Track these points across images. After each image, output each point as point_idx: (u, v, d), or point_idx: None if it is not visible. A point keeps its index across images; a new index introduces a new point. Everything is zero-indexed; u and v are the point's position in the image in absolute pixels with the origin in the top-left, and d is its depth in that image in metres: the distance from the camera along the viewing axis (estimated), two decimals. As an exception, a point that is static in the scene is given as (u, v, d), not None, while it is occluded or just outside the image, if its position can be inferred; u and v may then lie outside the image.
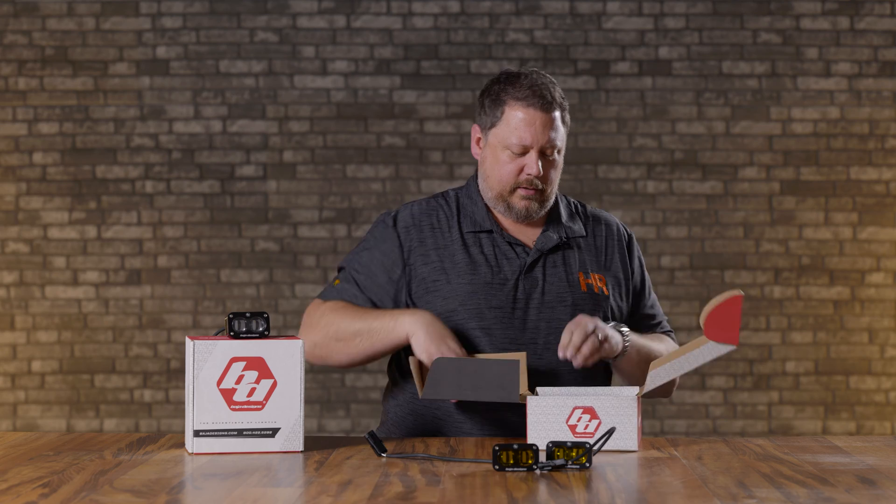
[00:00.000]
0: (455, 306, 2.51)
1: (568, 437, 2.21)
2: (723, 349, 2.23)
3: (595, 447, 2.13)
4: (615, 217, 2.72)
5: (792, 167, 5.50)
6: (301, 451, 2.21)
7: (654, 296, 2.73)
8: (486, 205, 2.61)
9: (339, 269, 2.64)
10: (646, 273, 2.72)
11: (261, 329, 2.21)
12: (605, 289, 2.58)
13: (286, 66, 5.51)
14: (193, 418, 2.18)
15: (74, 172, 5.50)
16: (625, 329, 2.47)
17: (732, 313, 2.22)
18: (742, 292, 2.27)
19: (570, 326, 2.38)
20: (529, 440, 2.22)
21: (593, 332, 2.37)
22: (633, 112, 5.50)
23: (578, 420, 2.21)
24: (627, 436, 2.21)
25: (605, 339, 2.39)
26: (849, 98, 5.50)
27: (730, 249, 5.50)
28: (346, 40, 5.51)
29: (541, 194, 2.56)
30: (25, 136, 5.50)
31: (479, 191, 2.62)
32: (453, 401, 2.46)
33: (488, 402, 2.39)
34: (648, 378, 2.28)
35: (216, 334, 2.27)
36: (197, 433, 2.18)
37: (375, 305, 2.56)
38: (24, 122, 5.50)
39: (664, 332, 2.70)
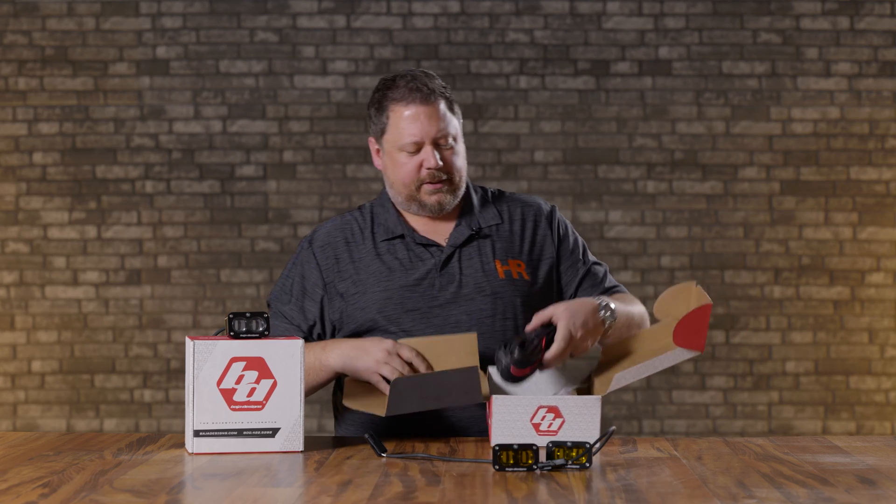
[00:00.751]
0: (373, 315, 2.53)
1: (532, 434, 2.22)
2: (688, 354, 2.25)
3: (595, 447, 2.13)
4: (536, 197, 2.70)
5: (792, 167, 5.50)
6: (301, 451, 2.21)
7: (591, 259, 2.69)
8: (397, 211, 2.62)
9: (269, 305, 2.64)
10: (577, 239, 2.68)
11: (261, 329, 2.21)
12: (524, 274, 2.58)
13: (286, 66, 5.51)
14: (193, 418, 2.18)
15: (74, 172, 5.50)
16: (613, 313, 2.42)
17: (701, 321, 2.23)
18: (707, 299, 2.27)
19: (558, 339, 2.34)
20: (493, 438, 2.23)
21: (573, 350, 2.36)
22: (633, 112, 5.50)
23: (542, 419, 2.23)
24: (590, 434, 2.22)
25: (583, 352, 2.37)
26: (849, 98, 5.50)
27: (730, 249, 5.51)
28: (346, 40, 5.51)
29: (449, 184, 2.56)
30: (25, 136, 5.50)
31: (389, 200, 2.63)
32: None
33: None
34: (614, 381, 2.28)
35: (216, 334, 2.27)
36: (197, 433, 2.18)
37: (309, 331, 2.58)
38: (24, 122, 5.50)
39: (619, 292, 2.67)
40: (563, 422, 2.22)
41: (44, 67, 5.50)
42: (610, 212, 5.48)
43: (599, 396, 2.24)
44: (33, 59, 5.50)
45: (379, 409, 2.35)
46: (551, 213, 2.68)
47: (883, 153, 5.49)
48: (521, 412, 2.23)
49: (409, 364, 2.37)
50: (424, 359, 2.39)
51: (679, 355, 2.25)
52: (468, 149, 5.46)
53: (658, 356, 2.25)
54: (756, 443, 2.33)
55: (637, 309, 2.59)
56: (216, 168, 5.51)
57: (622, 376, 2.28)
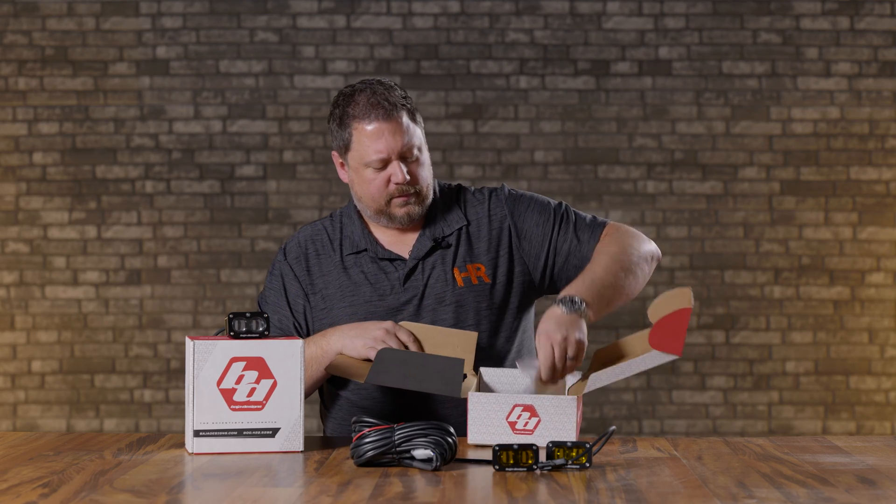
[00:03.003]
0: None
1: (507, 432, 2.22)
2: (665, 358, 2.24)
3: (595, 447, 2.13)
4: (488, 187, 2.65)
5: (792, 167, 5.50)
6: (301, 451, 2.21)
7: (573, 219, 2.59)
8: (362, 223, 2.60)
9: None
10: (538, 204, 2.60)
11: (261, 329, 2.21)
12: (484, 277, 2.55)
13: (286, 66, 5.51)
14: (193, 418, 2.18)
15: (74, 172, 5.50)
16: (576, 300, 2.33)
17: (679, 324, 2.22)
18: (690, 303, 2.26)
19: (542, 359, 2.28)
20: (469, 436, 2.24)
21: (564, 356, 2.28)
22: (633, 112, 5.50)
23: (518, 417, 2.23)
24: (566, 434, 2.22)
25: (577, 346, 2.28)
26: (849, 98, 5.50)
27: (730, 249, 5.50)
28: (346, 40, 5.51)
29: (417, 196, 2.53)
30: (25, 136, 5.50)
31: (356, 210, 2.61)
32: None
33: (430, 398, 2.45)
34: (590, 381, 2.28)
35: (216, 334, 2.27)
36: (197, 433, 2.18)
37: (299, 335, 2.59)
38: (24, 122, 5.50)
39: (598, 241, 2.57)
40: (538, 420, 2.22)
41: (44, 67, 5.50)
42: (610, 212, 5.48)
43: (575, 397, 2.24)
44: (33, 59, 5.50)
45: (360, 376, 2.36)
46: (509, 198, 2.62)
47: (883, 153, 5.49)
48: (496, 410, 2.23)
49: (406, 347, 2.38)
50: (421, 346, 2.40)
51: (656, 358, 2.24)
52: (468, 149, 5.47)
53: (634, 359, 2.25)
54: (756, 443, 2.33)
55: (613, 251, 2.47)
56: (216, 168, 5.51)
57: (598, 377, 2.28)
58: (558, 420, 2.22)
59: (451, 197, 2.64)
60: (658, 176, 5.50)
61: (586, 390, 2.29)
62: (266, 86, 5.51)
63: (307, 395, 2.48)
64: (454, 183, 2.69)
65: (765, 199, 5.50)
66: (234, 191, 5.51)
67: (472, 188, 2.66)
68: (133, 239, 5.50)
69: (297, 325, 2.59)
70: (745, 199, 5.50)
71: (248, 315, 2.21)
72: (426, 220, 2.59)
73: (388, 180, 2.51)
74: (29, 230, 5.50)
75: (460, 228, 2.59)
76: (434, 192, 2.61)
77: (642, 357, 2.25)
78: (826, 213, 5.49)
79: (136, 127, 5.50)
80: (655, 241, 5.47)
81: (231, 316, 2.20)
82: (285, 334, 2.57)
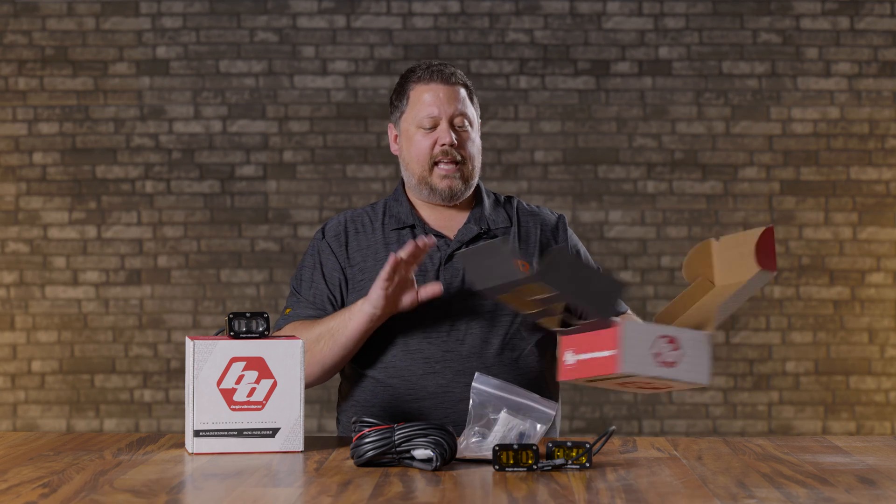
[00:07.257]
0: None
1: (651, 363, 2.14)
2: (766, 278, 2.17)
3: (595, 447, 2.13)
4: (544, 209, 2.72)
5: (792, 167, 5.50)
6: (301, 451, 2.21)
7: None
8: (410, 203, 2.64)
9: (294, 291, 2.67)
10: (582, 252, 2.71)
11: (261, 329, 2.21)
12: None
13: (286, 66, 5.51)
14: (193, 418, 2.18)
15: (74, 172, 5.50)
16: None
17: (768, 243, 2.18)
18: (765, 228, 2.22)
19: None
20: (620, 365, 2.13)
21: None
22: (633, 112, 5.50)
23: (662, 348, 2.17)
24: (702, 373, 2.10)
25: None
26: (849, 98, 5.50)
27: (730, 249, 5.50)
28: (346, 40, 5.51)
29: (461, 169, 2.58)
30: (25, 136, 5.50)
31: (404, 191, 2.66)
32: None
33: (441, 392, 2.45)
34: (717, 313, 2.14)
35: (216, 334, 2.27)
36: (197, 433, 2.18)
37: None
38: (24, 122, 5.50)
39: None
40: (682, 353, 2.09)
41: (44, 67, 5.50)
42: (610, 212, 5.48)
43: (710, 332, 2.13)
44: (33, 59, 5.50)
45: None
46: (559, 222, 2.70)
47: (883, 153, 5.49)
48: (643, 340, 2.07)
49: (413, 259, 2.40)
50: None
51: (760, 279, 2.14)
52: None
53: (744, 285, 2.15)
54: (756, 443, 2.33)
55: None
56: (216, 168, 5.51)
57: (723, 308, 2.16)
58: (696, 356, 2.08)
59: (500, 202, 2.69)
60: (658, 176, 5.50)
61: (716, 323, 2.18)
62: (266, 86, 5.51)
63: (325, 373, 2.49)
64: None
65: (765, 199, 5.50)
66: (234, 191, 5.51)
67: (519, 200, 2.72)
68: (133, 239, 5.50)
69: (331, 297, 2.59)
70: (745, 199, 5.50)
71: (248, 315, 2.21)
72: (473, 209, 2.63)
73: (435, 143, 2.56)
74: (29, 230, 5.50)
75: (506, 228, 2.63)
76: (482, 190, 2.67)
77: (749, 280, 2.15)
78: (826, 213, 5.50)
79: (136, 127, 5.50)
80: (655, 241, 5.50)
81: (231, 316, 2.20)
82: (318, 309, 2.58)
